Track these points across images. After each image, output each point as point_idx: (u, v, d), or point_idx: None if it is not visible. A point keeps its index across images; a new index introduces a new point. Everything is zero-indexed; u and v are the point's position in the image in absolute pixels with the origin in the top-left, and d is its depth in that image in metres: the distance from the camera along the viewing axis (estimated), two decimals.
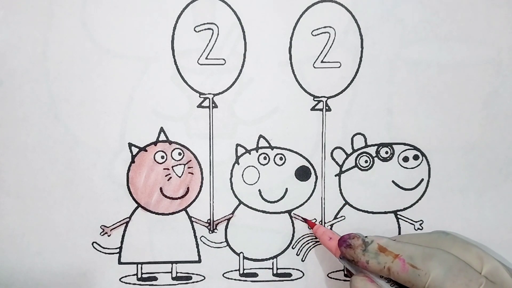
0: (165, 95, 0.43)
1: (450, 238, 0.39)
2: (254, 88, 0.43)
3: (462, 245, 0.38)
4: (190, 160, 0.43)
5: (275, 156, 0.44)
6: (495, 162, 0.44)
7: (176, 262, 0.44)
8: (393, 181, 0.44)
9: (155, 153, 0.43)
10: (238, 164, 0.44)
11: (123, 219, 0.44)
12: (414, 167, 0.44)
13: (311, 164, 0.44)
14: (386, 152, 0.44)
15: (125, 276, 0.44)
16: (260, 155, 0.43)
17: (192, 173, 0.43)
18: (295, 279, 0.45)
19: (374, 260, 0.37)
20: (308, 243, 0.44)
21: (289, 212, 0.44)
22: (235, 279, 0.45)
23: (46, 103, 0.42)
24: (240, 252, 0.44)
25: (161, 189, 0.43)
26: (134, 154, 0.43)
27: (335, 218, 0.44)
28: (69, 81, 0.42)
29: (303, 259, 0.45)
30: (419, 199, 0.44)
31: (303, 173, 0.44)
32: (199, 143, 0.43)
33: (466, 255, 0.37)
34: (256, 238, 0.44)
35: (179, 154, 0.43)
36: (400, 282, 0.37)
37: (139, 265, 0.44)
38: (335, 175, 0.44)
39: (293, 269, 0.45)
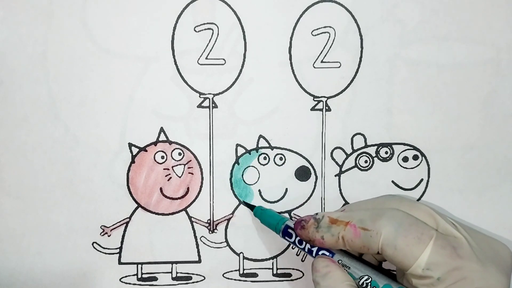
0: (165, 95, 0.43)
1: (397, 198, 0.40)
2: (254, 88, 0.43)
3: (409, 204, 0.38)
4: (190, 160, 0.43)
5: (275, 156, 0.44)
6: (494, 162, 0.44)
7: (176, 262, 0.44)
8: (392, 181, 0.44)
9: (155, 153, 0.43)
10: (238, 164, 0.44)
11: (123, 219, 0.44)
12: (413, 167, 0.44)
13: (311, 164, 0.44)
14: (386, 152, 0.44)
15: (125, 276, 0.44)
16: (260, 155, 0.43)
17: (192, 173, 0.43)
18: (295, 279, 0.45)
19: (328, 234, 0.37)
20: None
21: (289, 212, 0.44)
22: (235, 279, 0.45)
23: (46, 103, 0.42)
24: (240, 252, 0.44)
25: (161, 189, 0.43)
26: (134, 154, 0.43)
27: None
28: (69, 81, 0.42)
29: (303, 259, 0.45)
30: (419, 199, 0.44)
31: (303, 173, 0.44)
32: (199, 143, 0.43)
33: (415, 212, 0.37)
34: (256, 238, 0.44)
35: (179, 154, 0.43)
36: (355, 249, 0.37)
37: (139, 265, 0.44)
38: (335, 175, 0.44)
39: (293, 269, 0.45)
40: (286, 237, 0.40)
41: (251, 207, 0.43)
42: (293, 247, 0.44)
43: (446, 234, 0.36)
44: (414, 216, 0.37)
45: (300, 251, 0.44)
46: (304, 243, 0.39)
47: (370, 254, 0.37)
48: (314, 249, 0.38)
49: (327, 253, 0.38)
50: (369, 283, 0.36)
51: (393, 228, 0.35)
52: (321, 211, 0.44)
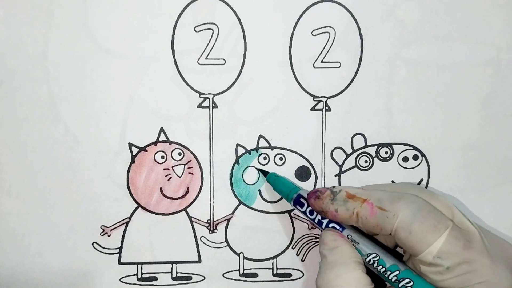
0: (165, 95, 0.43)
1: (416, 186, 0.40)
2: (254, 88, 0.43)
3: (429, 193, 0.38)
4: (190, 160, 0.43)
5: (275, 156, 0.44)
6: (494, 162, 0.44)
7: (176, 262, 0.44)
8: (393, 181, 0.44)
9: (155, 153, 0.43)
10: (238, 164, 0.44)
11: (123, 219, 0.44)
12: (413, 167, 0.44)
13: (311, 164, 0.44)
14: (386, 152, 0.44)
15: (125, 276, 0.44)
16: (260, 155, 0.43)
17: (192, 173, 0.43)
18: (295, 279, 0.45)
19: (342, 208, 0.37)
20: (308, 243, 0.45)
21: (289, 212, 0.44)
22: (235, 279, 0.45)
23: (46, 103, 0.42)
24: (240, 252, 0.44)
25: (161, 189, 0.43)
26: (134, 154, 0.43)
27: None
28: (69, 81, 0.42)
29: (303, 259, 0.45)
30: None
31: (303, 173, 0.44)
32: (199, 143, 0.43)
33: (433, 202, 0.37)
34: (256, 238, 0.44)
35: (179, 154, 0.43)
36: (368, 228, 0.37)
37: (139, 265, 0.44)
38: (335, 175, 0.44)
39: (293, 269, 0.45)
40: (297, 206, 0.40)
41: (265, 173, 0.43)
42: (293, 246, 0.44)
43: (461, 227, 0.36)
44: (433, 205, 0.37)
45: (300, 251, 0.44)
46: (315, 214, 0.39)
47: (381, 235, 0.37)
48: (324, 221, 0.38)
49: (337, 227, 0.38)
50: (376, 261, 0.36)
51: (411, 212, 0.35)
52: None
